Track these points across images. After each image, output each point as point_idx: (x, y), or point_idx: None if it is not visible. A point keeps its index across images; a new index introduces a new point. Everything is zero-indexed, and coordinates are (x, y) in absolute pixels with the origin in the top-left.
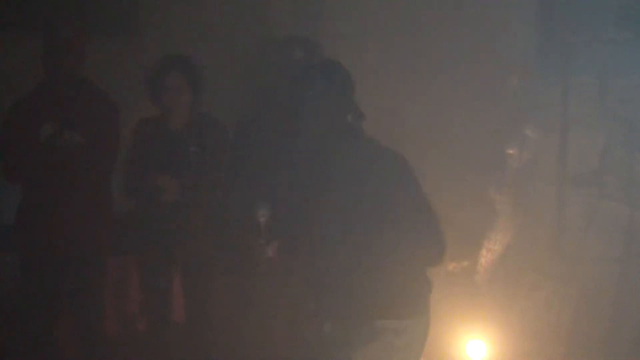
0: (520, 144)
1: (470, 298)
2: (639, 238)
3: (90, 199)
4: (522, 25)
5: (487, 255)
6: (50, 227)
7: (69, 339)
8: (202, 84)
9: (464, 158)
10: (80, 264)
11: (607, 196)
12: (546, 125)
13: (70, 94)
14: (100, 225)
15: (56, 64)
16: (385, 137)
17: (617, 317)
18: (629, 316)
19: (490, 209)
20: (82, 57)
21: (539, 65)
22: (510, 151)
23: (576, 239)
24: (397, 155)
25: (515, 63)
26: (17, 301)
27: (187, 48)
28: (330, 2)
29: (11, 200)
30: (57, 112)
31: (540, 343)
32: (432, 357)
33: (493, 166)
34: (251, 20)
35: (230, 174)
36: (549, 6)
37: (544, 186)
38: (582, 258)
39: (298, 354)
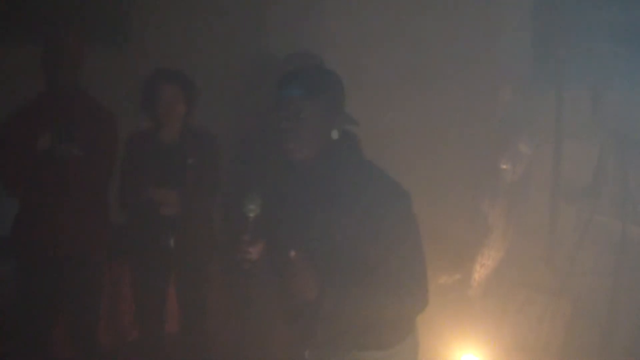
0: (514, 158)
1: (463, 311)
2: (632, 252)
3: (87, 210)
4: (516, 39)
5: (481, 269)
6: (46, 237)
7: (65, 348)
8: (195, 97)
9: (458, 171)
10: (77, 274)
11: (600, 210)
12: (539, 139)
13: (68, 105)
14: (96, 236)
15: (55, 75)
16: (376, 151)
17: (609, 331)
18: (622, 330)
19: (484, 223)
20: (80, 68)
21: (532, 79)
22: (504, 165)
23: (569, 253)
24: (395, 187)
25: (509, 76)
26: (13, 311)
27: (182, 59)
28: (326, 16)
29: (7, 211)
30: (55, 123)
31: (533, 357)
32: None
33: (486, 180)
34: (246, 31)
35: (225, 183)
36: (542, 20)
37: (537, 200)
38: (575, 272)
39: None
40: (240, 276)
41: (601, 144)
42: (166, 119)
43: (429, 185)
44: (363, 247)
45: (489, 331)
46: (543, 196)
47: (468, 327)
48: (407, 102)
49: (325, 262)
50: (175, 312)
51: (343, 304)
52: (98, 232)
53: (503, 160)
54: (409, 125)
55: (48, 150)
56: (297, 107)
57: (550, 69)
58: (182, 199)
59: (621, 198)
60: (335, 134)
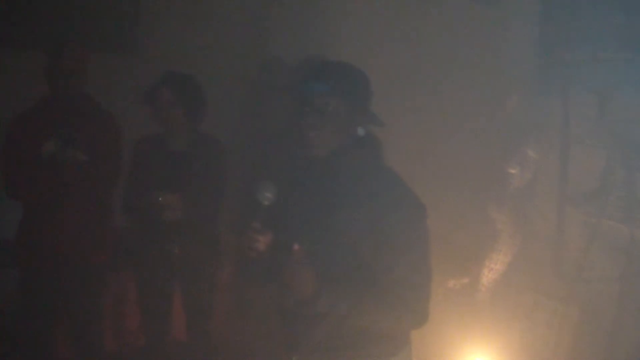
0: (521, 163)
1: (471, 316)
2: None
3: (91, 215)
4: (523, 44)
5: (489, 273)
6: (50, 241)
7: (68, 353)
8: (195, 101)
9: (465, 177)
10: (80, 278)
11: (607, 215)
12: (547, 144)
13: (73, 111)
14: (100, 241)
15: (60, 81)
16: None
17: (617, 337)
18: (629, 336)
19: (491, 228)
20: (85, 74)
21: (539, 84)
22: (511, 170)
23: (576, 258)
24: (412, 196)
25: (516, 82)
26: (16, 316)
27: (188, 65)
28: (330, 20)
29: (11, 216)
30: (60, 128)
31: None
32: None
33: (493, 185)
34: (252, 38)
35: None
36: (549, 25)
37: (545, 205)
38: (583, 277)
39: None
40: (243, 269)
41: (608, 148)
42: (165, 123)
43: (436, 190)
44: (367, 252)
45: (497, 336)
46: (550, 201)
47: (476, 332)
48: (414, 107)
49: (326, 261)
50: (181, 317)
51: (338, 307)
52: (102, 236)
53: (511, 164)
54: (416, 130)
55: (52, 155)
56: (322, 103)
57: (557, 74)
58: (185, 203)
59: (629, 203)
60: (361, 131)
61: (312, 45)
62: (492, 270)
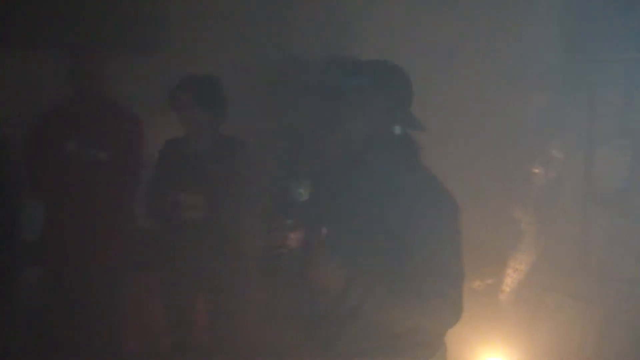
0: (546, 162)
1: (494, 317)
2: None
3: (113, 215)
4: (547, 43)
5: (513, 274)
6: (73, 242)
7: (92, 353)
8: (216, 102)
9: (489, 176)
10: (103, 279)
11: (632, 215)
12: (571, 144)
13: (94, 111)
14: (123, 241)
15: (82, 82)
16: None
17: None
18: None
19: (515, 228)
20: (107, 75)
21: (564, 83)
22: (536, 170)
23: (602, 258)
24: (446, 194)
25: (541, 80)
26: (41, 316)
27: (211, 67)
28: (354, 19)
29: (34, 217)
30: (82, 129)
31: None
32: None
33: (518, 185)
34: (275, 39)
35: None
36: (574, 23)
37: (569, 205)
38: (608, 278)
39: None
40: (268, 269)
41: (634, 148)
42: (187, 123)
43: (460, 190)
44: (399, 246)
45: (521, 337)
46: (575, 201)
47: (500, 333)
48: (438, 106)
49: (358, 253)
50: (204, 319)
51: (368, 301)
52: (123, 236)
53: (535, 164)
54: (440, 131)
55: (74, 156)
56: (360, 98)
57: (582, 73)
58: (207, 204)
59: None
60: (398, 130)
61: (334, 43)
62: (517, 270)
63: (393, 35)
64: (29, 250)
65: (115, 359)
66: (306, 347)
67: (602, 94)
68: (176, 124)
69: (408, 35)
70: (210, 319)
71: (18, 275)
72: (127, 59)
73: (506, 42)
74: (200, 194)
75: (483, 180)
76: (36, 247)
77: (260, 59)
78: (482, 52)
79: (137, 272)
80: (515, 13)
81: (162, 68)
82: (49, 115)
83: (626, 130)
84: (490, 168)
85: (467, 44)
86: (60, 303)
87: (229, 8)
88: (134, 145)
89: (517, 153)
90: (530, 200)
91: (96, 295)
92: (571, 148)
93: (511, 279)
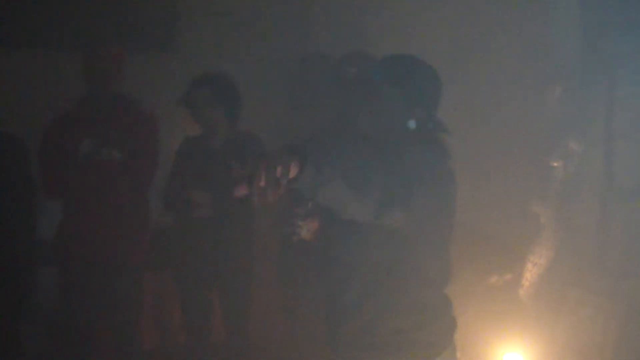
0: (565, 156)
1: (513, 312)
2: None
3: (128, 214)
4: (566, 36)
5: (532, 269)
6: (89, 242)
7: (108, 352)
8: (232, 100)
9: (508, 171)
10: (119, 278)
11: None
12: (591, 138)
13: (109, 110)
14: (138, 239)
15: (97, 80)
16: None
17: None
18: None
19: (534, 223)
20: (121, 73)
21: (583, 77)
22: (555, 164)
23: (622, 253)
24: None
25: (559, 74)
26: (56, 315)
27: (226, 64)
28: (370, 17)
29: (49, 216)
30: (96, 128)
31: (586, 359)
32: None
33: (537, 179)
34: (291, 36)
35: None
36: (592, 17)
37: (589, 199)
38: (628, 273)
39: None
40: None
41: None
42: (203, 122)
43: (479, 184)
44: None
45: (541, 332)
46: (594, 195)
47: (519, 328)
48: (457, 100)
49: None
50: (219, 318)
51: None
52: (139, 235)
53: (554, 158)
54: (459, 124)
55: (88, 155)
56: (383, 93)
57: (601, 66)
58: (220, 202)
59: None
60: (412, 124)
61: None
62: (536, 265)
63: (411, 31)
64: (45, 250)
65: (131, 357)
66: (313, 341)
67: (622, 87)
68: (192, 122)
69: (428, 30)
70: (226, 316)
71: (34, 275)
72: (142, 57)
73: (525, 36)
74: (213, 190)
75: (502, 174)
76: (52, 247)
77: (277, 56)
78: (501, 46)
79: (153, 271)
80: (535, 6)
81: (178, 66)
82: (64, 115)
83: None
84: (508, 162)
85: (486, 37)
86: (76, 302)
87: (245, 5)
88: (149, 144)
89: (536, 147)
90: (549, 194)
91: (112, 294)
92: (590, 142)
93: (530, 274)
